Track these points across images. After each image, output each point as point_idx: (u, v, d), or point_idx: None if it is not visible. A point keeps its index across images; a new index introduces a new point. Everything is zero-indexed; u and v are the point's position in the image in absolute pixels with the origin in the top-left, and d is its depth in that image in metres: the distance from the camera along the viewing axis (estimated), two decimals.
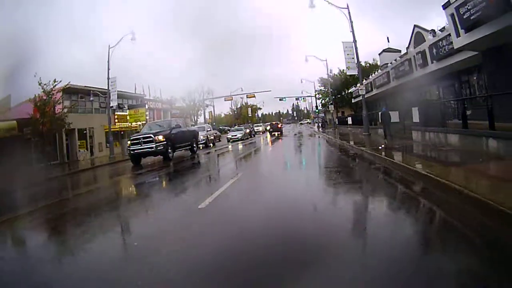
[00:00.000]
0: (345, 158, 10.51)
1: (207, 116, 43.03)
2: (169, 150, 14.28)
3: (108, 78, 22.76)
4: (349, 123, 26.04)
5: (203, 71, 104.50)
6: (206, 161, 14.49)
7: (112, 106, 29.02)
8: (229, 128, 43.64)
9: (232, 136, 28.89)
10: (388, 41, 48.76)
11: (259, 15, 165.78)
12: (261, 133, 42.92)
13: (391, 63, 20.09)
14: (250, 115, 70.49)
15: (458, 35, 12.34)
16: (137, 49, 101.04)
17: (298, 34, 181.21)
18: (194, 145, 17.08)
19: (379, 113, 14.88)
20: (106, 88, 23.40)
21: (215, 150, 19.19)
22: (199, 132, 21.52)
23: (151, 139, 13.87)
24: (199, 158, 15.33)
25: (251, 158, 14.20)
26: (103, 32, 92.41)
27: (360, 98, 28.99)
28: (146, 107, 26.46)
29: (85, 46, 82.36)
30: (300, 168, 9.76)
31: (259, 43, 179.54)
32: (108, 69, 22.85)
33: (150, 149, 13.83)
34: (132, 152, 14.25)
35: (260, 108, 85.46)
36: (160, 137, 13.88)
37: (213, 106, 46.02)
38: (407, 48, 18.53)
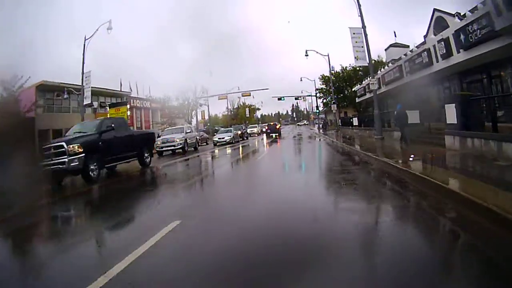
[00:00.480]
0: (366, 177, 7.11)
1: (199, 116, 40.19)
2: (93, 166, 9.32)
3: (83, 73, 20.03)
4: (354, 124, 23.23)
5: (199, 70, 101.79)
6: (151, 181, 9.96)
7: (92, 104, 26.37)
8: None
9: (219, 139, 25.12)
10: (395, 36, 46.07)
11: (259, 10, 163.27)
12: (256, 135, 38.67)
13: (405, 54, 17.31)
14: (248, 116, 67.63)
15: (499, 13, 9.70)
16: (130, 46, 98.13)
17: (298, 33, 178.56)
18: (146, 154, 12.40)
19: (395, 112, 12.10)
20: (89, 84, 20.64)
21: (186, 159, 14.94)
22: (175, 136, 18.22)
23: (63, 149, 8.91)
24: (148, 174, 11.04)
25: (225, 174, 10.06)
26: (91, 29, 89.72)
27: (366, 96, 26.26)
28: (128, 106, 23.70)
29: (73, 43, 79.80)
30: (296, 205, 5.14)
31: (258, 43, 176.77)
32: (83, 63, 20.16)
33: (61, 166, 8.77)
34: (44, 168, 9.17)
35: (258, 109, 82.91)
36: (75, 147, 8.95)
37: (208, 106, 43.24)
38: (425, 36, 15.78)
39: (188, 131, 19.74)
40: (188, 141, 18.88)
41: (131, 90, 30.67)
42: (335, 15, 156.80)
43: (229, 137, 25.12)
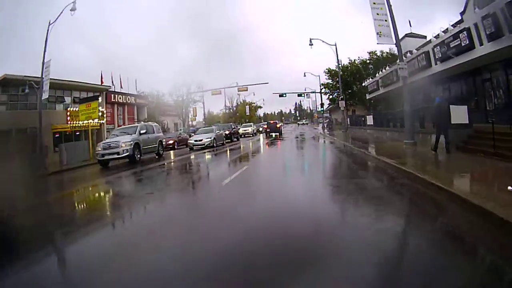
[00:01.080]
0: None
1: (191, 113, 37.06)
2: None
3: (43, 63, 16.99)
4: (368, 123, 19.83)
5: (197, 69, 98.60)
6: None
7: (63, 100, 23.39)
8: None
9: (196, 141, 19.67)
10: (410, 25, 42.44)
11: (259, 8, 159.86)
12: (250, 135, 32.99)
13: (435, 37, 14.04)
14: (248, 114, 64.22)
15: None
16: (126, 41, 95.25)
17: (301, 31, 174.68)
18: None
19: (435, 105, 8.84)
20: (48, 76, 17.59)
21: (124, 176, 10.54)
22: (121, 139, 13.51)
23: None
24: None
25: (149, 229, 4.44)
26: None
27: (380, 92, 22.92)
28: (100, 100, 20.49)
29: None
30: None
31: (259, 41, 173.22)
32: (45, 51, 17.13)
33: None
34: None
35: (260, 107, 79.53)
36: None
37: (203, 102, 40.10)
38: (462, 13, 12.52)
39: (142, 131, 14.70)
40: (142, 145, 14.22)
41: (113, 84, 27.58)
42: (340, 8, 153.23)
43: (209, 139, 19.58)
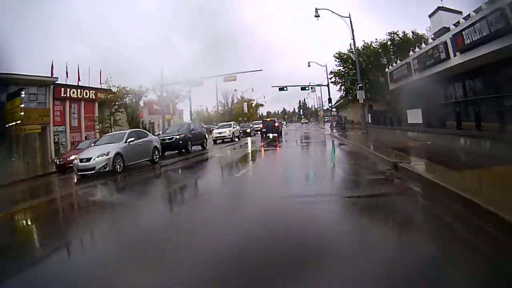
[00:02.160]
0: None
1: (169, 112, 32.23)
2: None
3: None
4: (410, 121, 13.85)
5: (194, 68, 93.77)
6: None
7: None
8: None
9: (81, 162, 10.76)
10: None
11: (259, 3, 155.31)
12: (230, 140, 23.24)
13: None
14: (246, 112, 59.42)
15: None
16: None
17: (303, 27, 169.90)
18: None
19: None
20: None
21: None
22: None
23: None
24: None
25: None
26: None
27: (413, 78, 17.75)
28: (23, 94, 15.55)
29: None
30: None
31: (260, 41, 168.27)
32: None
33: None
34: None
35: (261, 105, 74.75)
36: None
37: (190, 99, 35.18)
38: None
39: None
40: None
41: (68, 76, 22.85)
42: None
43: (104, 158, 10.63)
